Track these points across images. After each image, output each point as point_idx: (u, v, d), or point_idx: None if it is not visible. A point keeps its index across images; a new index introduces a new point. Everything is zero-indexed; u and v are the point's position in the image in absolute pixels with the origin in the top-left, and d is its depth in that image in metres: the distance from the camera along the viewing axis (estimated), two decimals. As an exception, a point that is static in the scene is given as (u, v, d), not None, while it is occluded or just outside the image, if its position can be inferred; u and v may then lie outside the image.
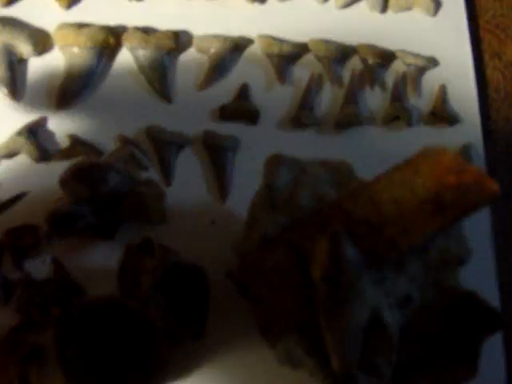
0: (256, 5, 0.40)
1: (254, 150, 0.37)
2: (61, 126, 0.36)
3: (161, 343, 0.27)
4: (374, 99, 0.40)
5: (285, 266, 0.31)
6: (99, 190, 0.31)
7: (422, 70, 0.40)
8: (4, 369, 0.30)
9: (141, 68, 0.38)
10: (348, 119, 0.38)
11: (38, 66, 0.38)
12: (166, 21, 0.40)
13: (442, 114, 0.39)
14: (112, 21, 0.39)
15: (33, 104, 0.37)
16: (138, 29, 0.38)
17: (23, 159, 0.36)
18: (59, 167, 0.35)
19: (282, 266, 0.31)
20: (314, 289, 0.29)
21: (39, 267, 0.34)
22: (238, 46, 0.39)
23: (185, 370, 0.31)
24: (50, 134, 0.36)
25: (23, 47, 0.37)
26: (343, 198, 0.31)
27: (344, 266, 0.28)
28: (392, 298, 0.31)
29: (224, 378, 0.32)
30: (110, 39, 0.38)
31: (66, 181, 0.31)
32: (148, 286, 0.29)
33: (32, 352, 0.30)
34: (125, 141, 0.36)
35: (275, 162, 0.32)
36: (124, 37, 0.38)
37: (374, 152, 0.37)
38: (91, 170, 0.31)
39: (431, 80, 0.41)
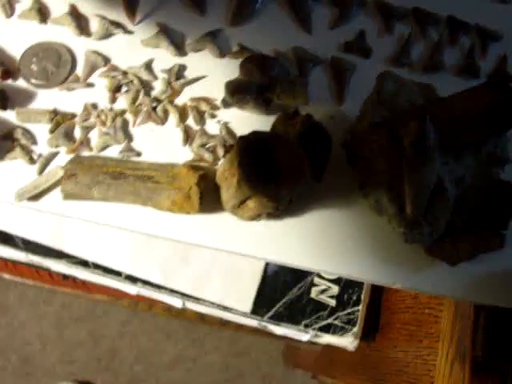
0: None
1: (363, 75, 0.52)
2: (232, 36, 0.52)
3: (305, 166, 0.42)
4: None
5: (383, 140, 0.45)
6: (266, 75, 0.47)
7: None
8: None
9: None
10: (433, 65, 0.53)
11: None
12: None
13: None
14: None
15: (215, 18, 0.53)
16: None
17: (207, 54, 0.51)
18: (228, 62, 0.51)
19: (382, 141, 0.45)
20: (403, 154, 0.43)
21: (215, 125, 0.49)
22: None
23: (302, 204, 0.47)
24: (225, 41, 0.52)
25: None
26: (428, 103, 0.46)
27: (426, 136, 0.43)
28: (451, 176, 0.45)
29: (328, 215, 0.47)
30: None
31: (246, 63, 0.47)
32: (294, 135, 0.44)
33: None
34: (277, 53, 0.51)
35: (385, 75, 0.47)
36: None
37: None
38: (265, 59, 0.46)
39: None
